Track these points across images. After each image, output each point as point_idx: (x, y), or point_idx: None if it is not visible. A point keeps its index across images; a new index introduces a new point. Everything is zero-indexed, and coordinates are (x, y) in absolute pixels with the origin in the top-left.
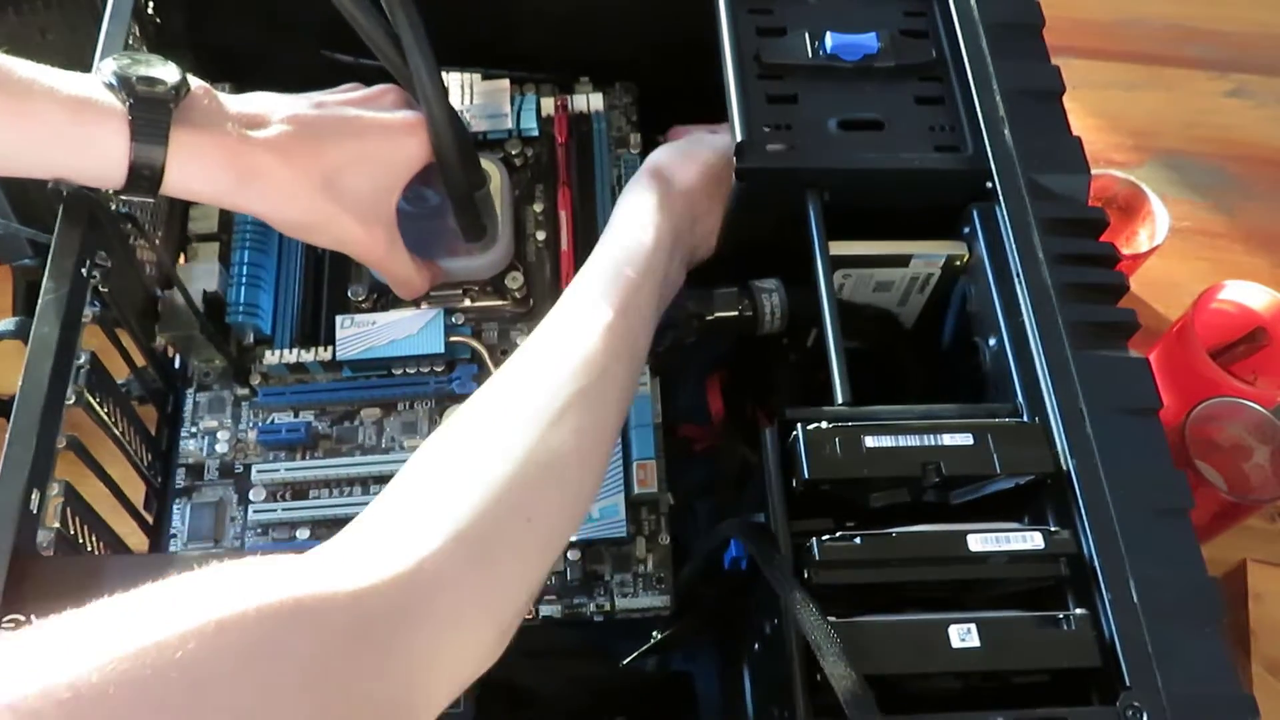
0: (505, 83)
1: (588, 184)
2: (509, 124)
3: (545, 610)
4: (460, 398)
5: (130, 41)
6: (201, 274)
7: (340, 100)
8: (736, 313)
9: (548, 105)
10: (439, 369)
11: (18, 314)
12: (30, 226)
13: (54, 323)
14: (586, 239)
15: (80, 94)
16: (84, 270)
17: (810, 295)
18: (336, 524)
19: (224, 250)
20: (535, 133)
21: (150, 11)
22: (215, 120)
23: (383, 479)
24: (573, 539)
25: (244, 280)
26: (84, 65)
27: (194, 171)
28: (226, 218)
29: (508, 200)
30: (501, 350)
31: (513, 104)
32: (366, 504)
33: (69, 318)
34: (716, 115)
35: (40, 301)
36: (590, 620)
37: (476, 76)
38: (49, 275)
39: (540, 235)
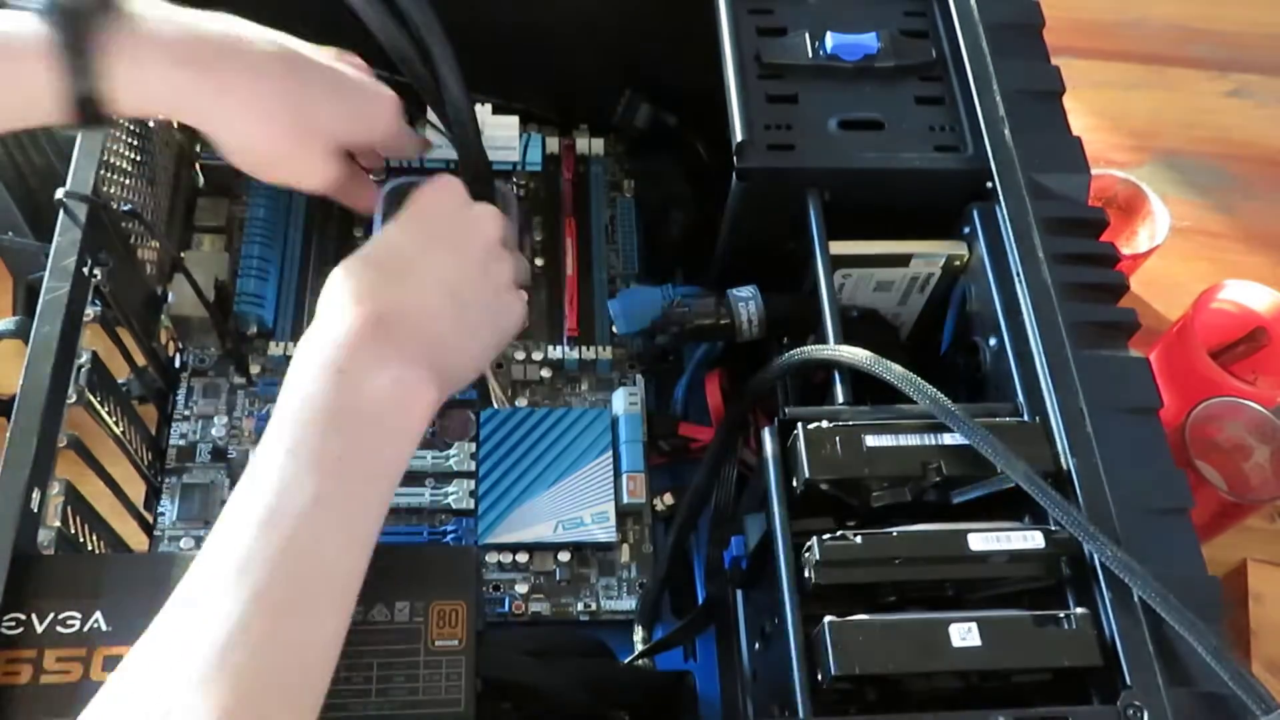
0: (515, 119)
1: (584, 221)
2: (515, 157)
3: (535, 607)
4: (457, 404)
5: None
6: (208, 262)
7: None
8: (713, 322)
9: (552, 144)
10: None
11: (18, 314)
12: (45, 240)
13: (55, 322)
14: (584, 269)
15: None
16: (85, 269)
17: (791, 299)
18: None
19: (227, 243)
20: (539, 168)
21: None
22: (171, 30)
23: None
24: (563, 541)
25: (253, 272)
26: None
27: (154, 88)
28: (232, 214)
29: (515, 220)
30: (496, 364)
31: (519, 140)
32: None
33: (70, 317)
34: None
35: (41, 301)
36: (577, 619)
37: (487, 110)
38: (50, 275)
39: (539, 262)
